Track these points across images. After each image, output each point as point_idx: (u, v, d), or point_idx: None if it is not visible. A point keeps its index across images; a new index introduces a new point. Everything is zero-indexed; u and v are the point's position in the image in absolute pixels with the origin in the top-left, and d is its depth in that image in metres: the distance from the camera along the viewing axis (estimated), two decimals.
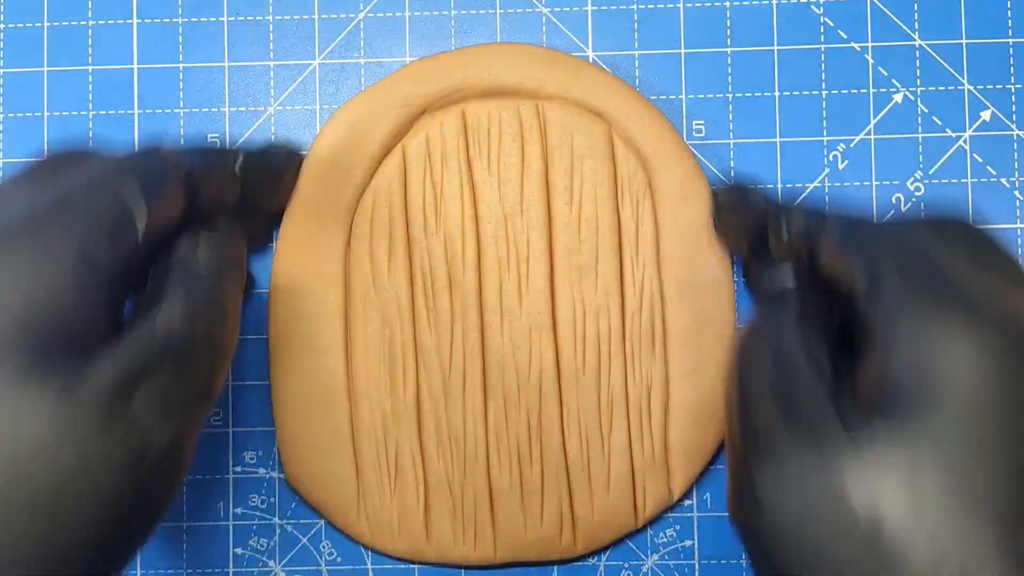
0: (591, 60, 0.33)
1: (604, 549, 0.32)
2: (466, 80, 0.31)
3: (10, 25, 0.33)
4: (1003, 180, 0.32)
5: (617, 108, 0.31)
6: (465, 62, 0.31)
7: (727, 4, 0.33)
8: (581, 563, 0.32)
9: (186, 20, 0.33)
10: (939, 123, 0.33)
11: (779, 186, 0.32)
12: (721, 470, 0.32)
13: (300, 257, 0.31)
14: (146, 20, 0.33)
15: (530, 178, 0.31)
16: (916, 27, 0.33)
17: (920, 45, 0.33)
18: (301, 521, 0.32)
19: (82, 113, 0.33)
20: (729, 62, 0.33)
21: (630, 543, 0.32)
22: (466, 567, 0.32)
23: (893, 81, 0.33)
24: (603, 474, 0.31)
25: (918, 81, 0.33)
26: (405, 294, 0.31)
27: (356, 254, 0.31)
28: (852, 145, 0.32)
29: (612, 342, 0.31)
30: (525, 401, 0.31)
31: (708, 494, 0.32)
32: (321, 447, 0.31)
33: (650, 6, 0.33)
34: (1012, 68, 0.32)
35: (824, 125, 0.32)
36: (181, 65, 0.33)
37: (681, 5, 0.33)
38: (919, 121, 0.33)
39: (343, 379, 0.31)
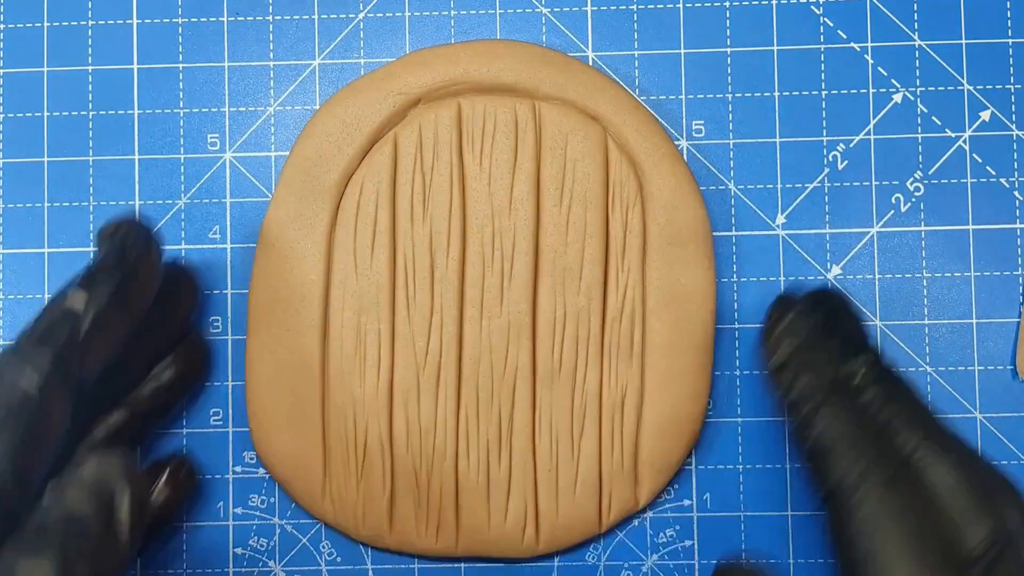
0: (591, 60, 0.33)
1: (565, 551, 0.32)
2: (464, 73, 0.31)
3: (10, 25, 0.33)
4: (1003, 180, 0.32)
5: (614, 113, 0.31)
6: (465, 55, 0.31)
7: (727, 4, 0.33)
8: (581, 562, 0.32)
9: (186, 20, 0.33)
10: (939, 123, 0.33)
11: (779, 186, 0.32)
12: (722, 469, 0.32)
13: (284, 232, 0.31)
14: (146, 20, 0.33)
15: (521, 177, 0.31)
16: (916, 27, 0.33)
17: (920, 45, 0.33)
18: (301, 521, 0.32)
19: (82, 113, 0.33)
20: (729, 62, 0.33)
21: (630, 543, 0.32)
22: (426, 557, 0.32)
23: (893, 81, 0.33)
24: (570, 477, 0.31)
25: (918, 81, 0.33)
26: (386, 282, 0.31)
27: (340, 237, 0.31)
28: (852, 145, 0.32)
29: (590, 346, 0.31)
30: (498, 398, 0.31)
31: (708, 494, 0.32)
32: (291, 426, 0.31)
33: (650, 6, 0.33)
34: (1012, 68, 0.32)
35: (824, 125, 0.32)
36: (181, 65, 0.33)
37: (681, 5, 0.33)
38: (919, 121, 0.33)
39: (318, 361, 0.31)
